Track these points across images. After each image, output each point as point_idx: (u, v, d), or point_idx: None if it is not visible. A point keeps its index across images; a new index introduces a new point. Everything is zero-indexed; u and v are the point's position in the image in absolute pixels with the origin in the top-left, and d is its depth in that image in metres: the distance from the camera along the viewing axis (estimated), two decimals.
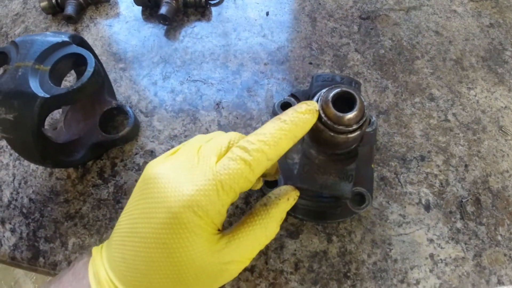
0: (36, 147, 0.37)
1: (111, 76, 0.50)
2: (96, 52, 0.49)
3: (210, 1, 0.56)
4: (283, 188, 0.33)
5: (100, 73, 0.38)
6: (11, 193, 0.44)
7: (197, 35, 0.54)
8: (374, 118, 0.45)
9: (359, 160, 0.43)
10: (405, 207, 0.43)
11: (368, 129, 0.44)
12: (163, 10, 0.51)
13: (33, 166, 0.45)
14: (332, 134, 0.32)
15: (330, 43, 0.51)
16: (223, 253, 0.27)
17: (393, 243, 0.41)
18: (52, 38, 0.38)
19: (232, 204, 0.43)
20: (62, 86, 0.37)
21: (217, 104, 0.48)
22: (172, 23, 0.54)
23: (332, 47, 0.51)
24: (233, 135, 0.31)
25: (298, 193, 0.33)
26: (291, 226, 0.42)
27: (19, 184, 0.44)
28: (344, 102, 0.32)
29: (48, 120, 0.48)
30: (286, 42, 0.52)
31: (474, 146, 0.46)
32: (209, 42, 0.53)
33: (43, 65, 0.37)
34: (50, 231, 0.42)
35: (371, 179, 0.42)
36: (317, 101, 0.33)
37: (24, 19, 0.56)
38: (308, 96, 0.38)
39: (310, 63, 0.50)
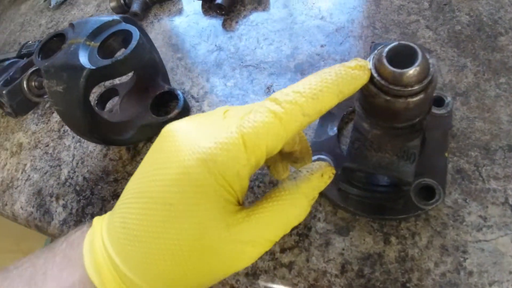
0: (83, 119, 0.37)
1: (169, 65, 0.50)
2: (157, 44, 0.49)
3: None
4: (316, 163, 0.27)
5: (144, 46, 0.37)
6: (69, 172, 0.45)
7: (252, 22, 0.51)
8: (449, 99, 0.36)
9: (429, 147, 0.35)
10: (487, 207, 0.33)
11: (442, 111, 0.36)
12: None
13: (91, 147, 0.46)
14: (388, 98, 0.25)
15: (396, 21, 0.44)
16: (240, 228, 0.22)
17: (469, 251, 0.31)
18: (104, 18, 0.39)
19: (256, 185, 0.37)
20: None
21: (267, 87, 0.44)
22: (229, 13, 0.52)
23: (399, 25, 0.44)
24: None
25: (334, 171, 0.27)
26: (341, 221, 0.35)
27: (77, 164, 0.45)
28: (403, 60, 0.26)
29: (107, 107, 0.49)
30: (347, 23, 0.46)
31: None
32: (264, 28, 0.50)
33: (93, 42, 0.37)
34: (97, 208, 0.41)
35: (444, 170, 0.34)
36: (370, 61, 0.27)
37: None
38: None
39: (373, 42, 0.43)
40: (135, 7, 0.54)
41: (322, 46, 0.45)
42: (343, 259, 0.33)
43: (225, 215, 0.21)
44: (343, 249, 0.33)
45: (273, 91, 0.43)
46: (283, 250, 0.35)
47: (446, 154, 0.35)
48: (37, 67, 0.50)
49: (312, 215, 0.36)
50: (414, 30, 0.43)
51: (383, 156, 0.28)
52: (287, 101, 0.22)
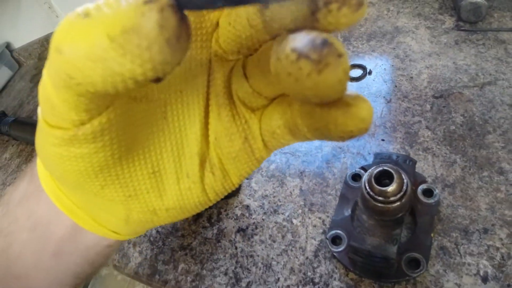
0: None
1: None
2: None
3: None
4: None
5: None
6: None
7: None
8: (437, 191, 0.51)
9: (419, 229, 0.49)
10: (461, 277, 0.46)
11: (430, 201, 0.51)
12: None
13: None
14: (376, 204, 0.42)
15: (402, 122, 0.60)
16: None
17: None
18: None
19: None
20: None
21: (301, 172, 0.61)
22: None
23: (404, 125, 0.59)
24: None
25: None
26: (351, 281, 0.50)
27: None
28: (386, 179, 0.42)
29: None
30: None
31: None
32: None
33: None
34: (167, 257, 0.59)
35: (428, 247, 0.48)
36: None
37: None
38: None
39: (383, 140, 0.59)
40: None
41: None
42: None
43: None
44: None
45: (305, 176, 0.60)
46: None
47: (432, 235, 0.49)
48: None
49: (329, 275, 0.51)
50: (416, 130, 0.58)
51: (375, 239, 0.44)
52: None
